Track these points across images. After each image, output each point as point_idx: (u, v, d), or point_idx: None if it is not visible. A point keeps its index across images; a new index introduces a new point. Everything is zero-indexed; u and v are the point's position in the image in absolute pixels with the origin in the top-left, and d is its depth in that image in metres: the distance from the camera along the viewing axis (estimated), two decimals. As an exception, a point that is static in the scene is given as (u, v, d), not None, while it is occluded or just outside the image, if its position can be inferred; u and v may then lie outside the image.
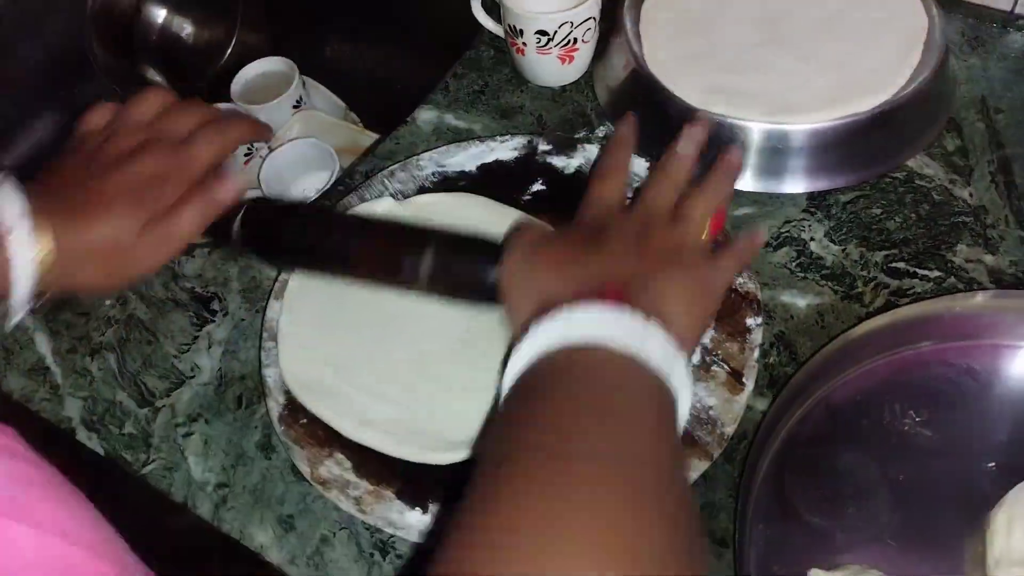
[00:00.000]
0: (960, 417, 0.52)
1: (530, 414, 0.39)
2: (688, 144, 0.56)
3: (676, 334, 0.43)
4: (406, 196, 0.64)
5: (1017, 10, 0.75)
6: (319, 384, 0.54)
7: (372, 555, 0.51)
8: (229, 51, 1.03)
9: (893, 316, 0.54)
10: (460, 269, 0.50)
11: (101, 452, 0.57)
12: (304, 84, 0.99)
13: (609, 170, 0.55)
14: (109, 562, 0.32)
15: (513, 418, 0.40)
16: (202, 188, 0.52)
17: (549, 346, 0.41)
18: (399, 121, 0.74)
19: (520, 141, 0.67)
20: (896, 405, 0.53)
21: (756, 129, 0.64)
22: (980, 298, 0.55)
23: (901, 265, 0.60)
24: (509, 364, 0.42)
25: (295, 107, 0.96)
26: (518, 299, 0.48)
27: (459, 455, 0.51)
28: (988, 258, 0.60)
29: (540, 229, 0.53)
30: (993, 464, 0.50)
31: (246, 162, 0.94)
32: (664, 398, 0.41)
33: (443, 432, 0.52)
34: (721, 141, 0.65)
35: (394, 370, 0.55)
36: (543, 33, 0.69)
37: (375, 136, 0.93)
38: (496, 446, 0.39)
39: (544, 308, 0.43)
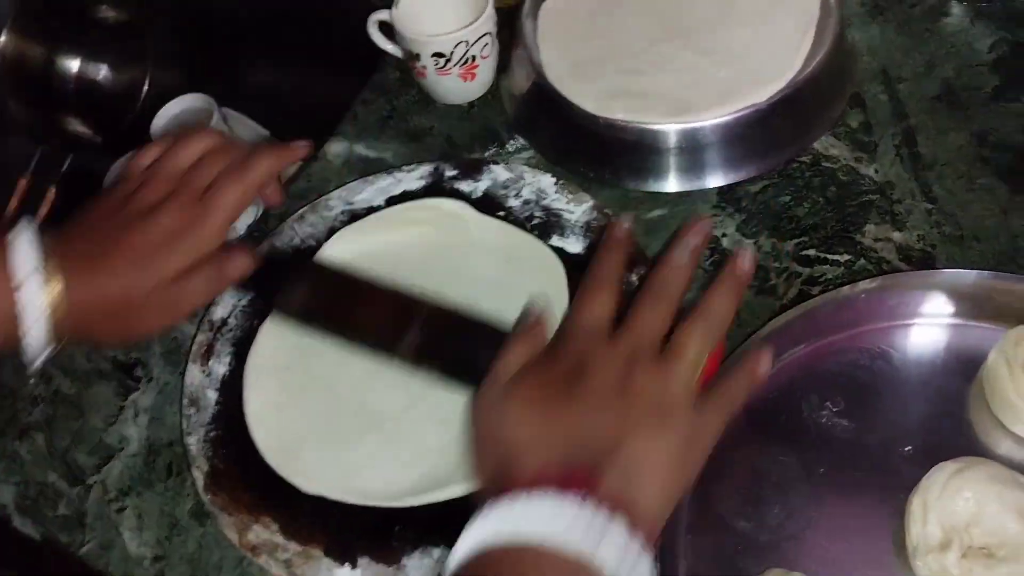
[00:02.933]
0: (876, 403, 0.53)
1: None
2: (683, 253, 0.50)
3: (645, 522, 0.40)
4: (317, 239, 0.64)
5: (914, -27, 0.75)
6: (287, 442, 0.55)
7: (313, 611, 0.51)
8: (145, 91, 1.02)
9: (803, 308, 0.55)
10: (451, 348, 0.52)
11: (37, 538, 0.57)
12: (225, 118, 0.98)
13: (596, 286, 0.50)
14: None
15: None
16: (213, 260, 0.53)
17: (498, 535, 0.38)
18: (323, 142, 0.74)
19: (426, 169, 0.67)
20: (813, 397, 0.54)
21: (658, 131, 0.64)
22: (887, 280, 0.55)
23: (812, 252, 0.61)
24: (458, 542, 0.40)
25: (218, 142, 0.95)
26: (484, 441, 0.46)
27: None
28: (896, 235, 0.60)
29: (525, 351, 0.48)
30: (909, 447, 0.51)
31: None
32: None
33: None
34: (626, 146, 0.65)
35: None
36: (440, 55, 0.69)
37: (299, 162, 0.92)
38: None
39: (505, 472, 0.42)
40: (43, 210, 0.98)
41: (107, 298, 0.50)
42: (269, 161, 0.55)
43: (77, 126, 1.07)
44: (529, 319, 0.50)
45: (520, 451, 0.43)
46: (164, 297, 0.51)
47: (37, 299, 0.48)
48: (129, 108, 1.02)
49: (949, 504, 0.45)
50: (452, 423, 0.51)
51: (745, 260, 0.50)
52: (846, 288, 0.56)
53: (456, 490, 0.50)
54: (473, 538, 0.39)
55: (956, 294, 0.55)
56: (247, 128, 1.04)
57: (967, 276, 0.54)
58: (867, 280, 0.55)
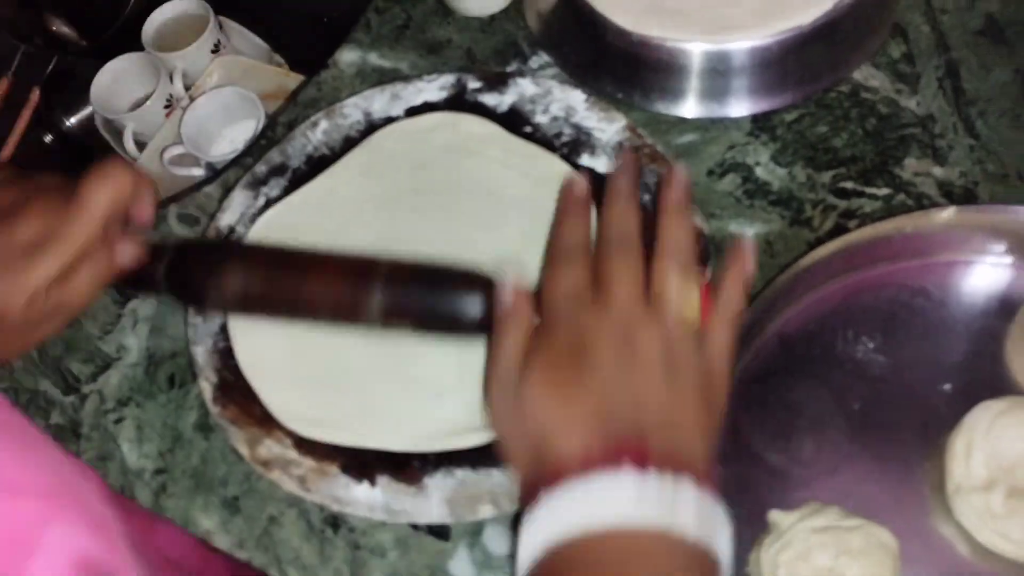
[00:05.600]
0: (913, 340, 0.52)
1: None
2: (621, 195, 0.47)
3: (702, 470, 0.39)
4: (331, 148, 0.60)
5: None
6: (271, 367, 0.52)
7: (324, 531, 0.49)
8: (137, -7, 0.96)
9: (842, 242, 0.53)
10: (420, 301, 0.46)
11: (29, 446, 0.54)
12: (221, 26, 0.93)
13: (563, 257, 0.46)
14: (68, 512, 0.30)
15: None
16: (94, 255, 0.46)
17: (569, 527, 0.37)
18: (328, 60, 0.70)
19: (448, 79, 0.63)
20: (849, 332, 0.52)
21: (695, 51, 0.60)
22: (929, 217, 0.53)
23: (849, 184, 0.58)
24: (522, 539, 0.38)
25: (214, 52, 0.91)
26: (511, 432, 0.43)
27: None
28: (937, 170, 0.58)
29: (518, 334, 0.44)
30: (949, 386, 0.50)
31: (167, 114, 0.89)
32: (706, 567, 0.37)
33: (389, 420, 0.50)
34: (660, 66, 0.62)
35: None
36: (463, -41, 0.65)
37: (302, 78, 0.88)
38: None
39: (544, 460, 0.39)
40: (27, 112, 0.93)
41: None
42: (128, 174, 0.48)
43: (61, 26, 1.01)
44: (508, 297, 0.45)
45: (553, 437, 0.40)
46: (47, 304, 0.46)
47: None
48: (118, 10, 0.96)
49: (995, 444, 0.44)
50: (472, 363, 0.48)
51: (679, 185, 0.47)
52: (887, 222, 0.54)
53: (479, 438, 0.48)
54: (541, 534, 0.37)
55: (999, 232, 0.53)
56: (245, 40, 0.99)
57: (1013, 213, 0.52)
58: (912, 214, 0.53)
